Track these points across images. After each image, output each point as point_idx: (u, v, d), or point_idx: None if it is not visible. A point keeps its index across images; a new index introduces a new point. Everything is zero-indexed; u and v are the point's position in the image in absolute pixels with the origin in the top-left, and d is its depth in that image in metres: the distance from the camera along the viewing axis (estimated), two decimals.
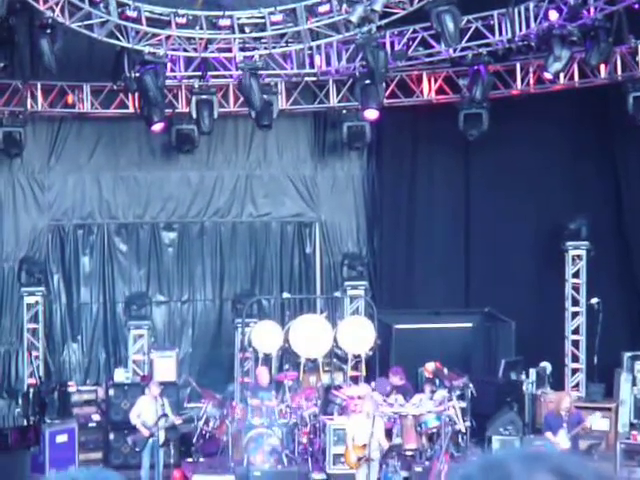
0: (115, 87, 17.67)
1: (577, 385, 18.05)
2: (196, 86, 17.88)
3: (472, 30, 16.66)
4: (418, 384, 16.71)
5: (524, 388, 17.21)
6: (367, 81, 17.10)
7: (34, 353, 18.00)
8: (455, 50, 16.92)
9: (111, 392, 16.85)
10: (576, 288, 18.20)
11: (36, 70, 17.71)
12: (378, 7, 14.92)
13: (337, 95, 18.83)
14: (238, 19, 16.12)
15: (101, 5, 15.30)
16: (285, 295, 19.07)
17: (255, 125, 18.51)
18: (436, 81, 18.52)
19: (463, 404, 15.33)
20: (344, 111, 18.81)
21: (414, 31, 16.99)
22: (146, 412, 15.05)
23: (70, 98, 18.52)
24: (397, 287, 19.87)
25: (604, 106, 18.30)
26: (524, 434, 15.85)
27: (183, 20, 15.95)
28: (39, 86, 18.21)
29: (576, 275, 18.23)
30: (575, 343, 18.18)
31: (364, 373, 17.39)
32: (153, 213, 19.89)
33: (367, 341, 17.23)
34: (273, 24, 16.19)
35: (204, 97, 17.95)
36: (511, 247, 19.00)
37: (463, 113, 17.91)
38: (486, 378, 17.08)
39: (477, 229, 19.57)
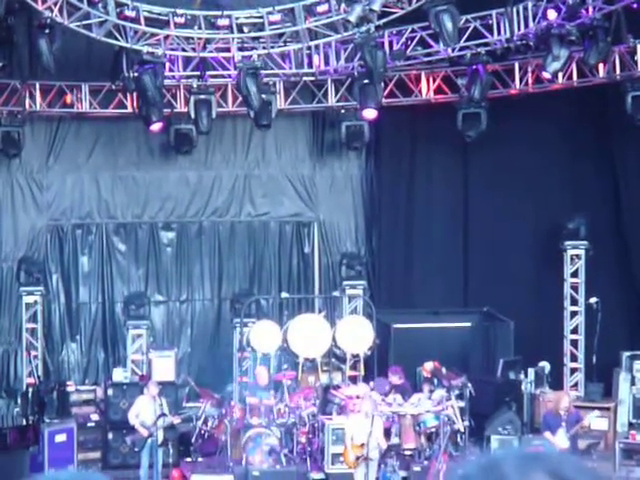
0: (113, 87, 17.65)
1: (576, 385, 18.04)
2: (194, 86, 17.87)
3: (470, 30, 16.66)
4: (417, 384, 16.69)
5: (523, 388, 17.20)
6: (365, 81, 17.09)
7: (33, 353, 18.00)
8: (453, 50, 16.92)
9: (110, 392, 16.83)
10: (575, 287, 18.19)
11: (34, 70, 17.69)
12: (376, 7, 14.91)
13: (335, 95, 18.82)
14: (236, 19, 16.10)
15: (99, 5, 15.28)
16: (284, 295, 19.07)
17: (254, 125, 18.52)
18: (434, 81, 18.52)
19: (462, 403, 15.33)
20: (342, 111, 18.82)
21: (412, 31, 16.98)
22: (145, 412, 15.05)
23: (68, 98, 18.51)
24: (396, 286, 19.86)
25: (602, 105, 18.29)
26: (523, 434, 15.83)
27: (181, 20, 15.93)
28: (37, 86, 18.20)
29: (575, 274, 18.22)
30: (574, 342, 18.17)
31: (363, 373, 17.37)
32: (152, 213, 19.88)
33: (366, 341, 17.21)
34: (271, 24, 16.18)
35: (202, 97, 17.93)
36: (510, 246, 18.99)
37: (461, 113, 17.91)
38: (485, 377, 17.08)
39: (476, 228, 19.56)
